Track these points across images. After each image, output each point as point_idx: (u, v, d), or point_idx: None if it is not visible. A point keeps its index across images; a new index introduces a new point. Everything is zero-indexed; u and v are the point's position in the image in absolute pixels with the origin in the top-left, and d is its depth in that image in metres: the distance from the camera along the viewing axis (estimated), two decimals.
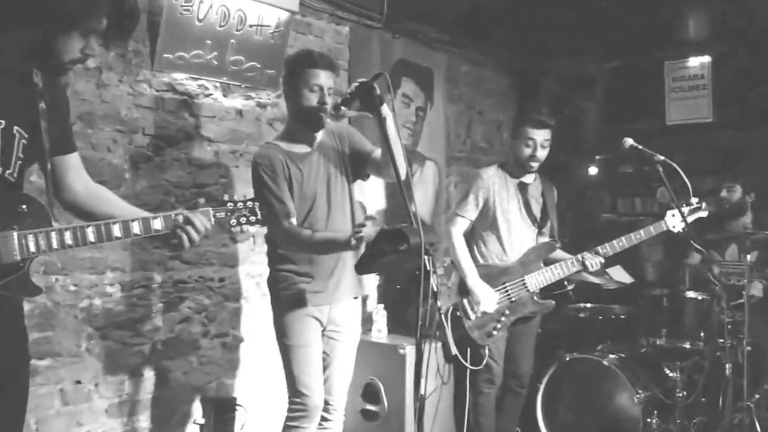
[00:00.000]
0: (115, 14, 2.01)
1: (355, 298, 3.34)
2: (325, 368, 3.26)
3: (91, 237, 2.06)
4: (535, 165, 4.07)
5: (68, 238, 2.03)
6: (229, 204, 2.29)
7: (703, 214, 4.18)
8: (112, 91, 3.69)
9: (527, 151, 4.04)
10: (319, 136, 3.23)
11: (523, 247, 4.11)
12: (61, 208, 2.23)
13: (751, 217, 5.22)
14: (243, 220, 2.30)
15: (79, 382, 3.57)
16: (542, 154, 4.05)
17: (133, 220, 2.13)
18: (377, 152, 3.18)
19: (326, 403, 3.26)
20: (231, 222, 2.29)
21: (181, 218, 2.17)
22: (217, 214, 2.26)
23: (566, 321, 5.18)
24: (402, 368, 4.22)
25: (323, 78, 3.08)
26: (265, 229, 3.25)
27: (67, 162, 2.24)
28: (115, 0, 2.01)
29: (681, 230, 4.11)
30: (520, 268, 4.06)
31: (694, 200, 4.12)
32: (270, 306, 3.30)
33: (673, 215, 4.12)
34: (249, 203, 2.33)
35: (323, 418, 3.27)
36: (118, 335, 3.72)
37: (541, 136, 4.01)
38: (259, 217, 2.33)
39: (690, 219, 4.10)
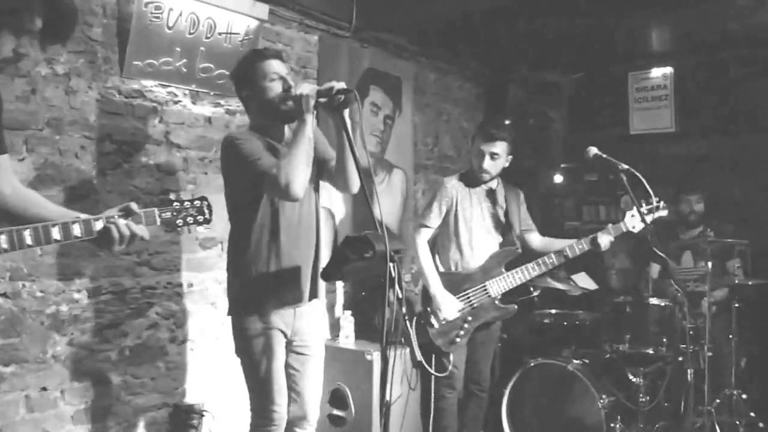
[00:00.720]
0: (50, 14, 1.95)
1: (310, 300, 3.21)
2: (297, 384, 3.20)
3: (29, 240, 2.00)
4: (485, 176, 4.13)
5: (3, 241, 1.96)
6: (175, 204, 2.28)
7: (663, 212, 4.22)
8: (80, 98, 3.68)
9: (476, 162, 4.12)
10: (287, 134, 3.16)
11: (485, 253, 4.17)
12: None
13: (702, 226, 5.34)
14: (190, 219, 2.29)
15: (45, 389, 3.55)
16: (491, 165, 4.09)
17: (73, 222, 2.07)
18: (332, 162, 3.15)
19: (302, 418, 3.22)
20: (177, 222, 2.28)
21: (113, 227, 2.12)
22: (163, 214, 2.24)
23: (531, 327, 5.25)
24: (369, 374, 4.26)
25: (277, 66, 3.06)
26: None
27: None
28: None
29: (641, 229, 4.14)
30: (482, 275, 4.11)
31: (654, 199, 4.14)
32: (230, 314, 3.17)
33: (633, 215, 4.15)
34: (196, 202, 2.31)
35: None
36: (85, 342, 3.71)
37: (490, 148, 4.06)
38: (207, 216, 2.33)
39: (649, 218, 4.15)
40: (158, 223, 2.23)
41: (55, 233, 2.05)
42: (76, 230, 2.08)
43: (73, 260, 3.65)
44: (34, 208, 2.20)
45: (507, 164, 4.18)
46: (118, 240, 2.13)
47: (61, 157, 3.60)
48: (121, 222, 2.13)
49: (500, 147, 4.07)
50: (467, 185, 4.19)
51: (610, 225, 4.19)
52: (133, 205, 2.18)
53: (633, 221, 4.16)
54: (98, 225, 2.11)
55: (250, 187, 2.97)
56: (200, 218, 2.32)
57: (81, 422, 3.71)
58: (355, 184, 3.10)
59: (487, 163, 4.08)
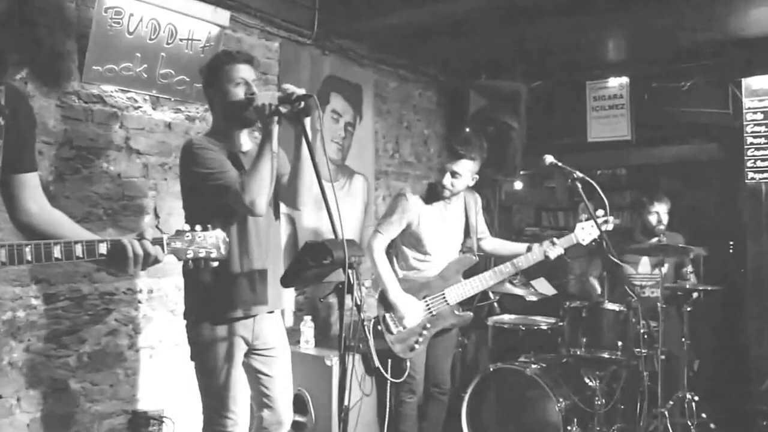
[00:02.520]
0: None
1: (271, 312, 3.17)
2: (268, 388, 3.17)
3: (29, 256, 1.97)
4: (446, 193, 4.16)
5: (2, 255, 1.95)
6: (187, 234, 2.17)
7: (609, 227, 4.36)
8: (39, 102, 3.66)
9: (438, 177, 4.17)
10: (247, 143, 3.15)
11: (444, 261, 4.20)
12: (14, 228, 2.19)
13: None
14: (201, 253, 2.17)
15: (0, 397, 3.51)
16: (453, 182, 4.12)
17: (76, 242, 2.03)
18: (284, 179, 3.13)
19: (277, 424, 3.19)
20: (188, 253, 2.17)
21: (128, 244, 2.06)
22: (172, 243, 2.15)
23: (491, 332, 5.31)
24: (329, 379, 4.28)
25: (244, 71, 3.02)
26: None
27: (25, 181, 2.18)
28: None
29: (590, 243, 4.34)
30: (441, 282, 4.15)
31: (600, 212, 4.28)
32: (185, 318, 3.12)
33: (582, 228, 4.32)
34: (211, 236, 2.18)
35: None
36: (43, 348, 3.68)
37: (453, 166, 4.09)
38: (222, 252, 2.20)
39: (597, 233, 4.30)
40: (165, 251, 2.13)
41: (56, 252, 2.01)
42: (78, 251, 2.03)
43: (30, 266, 3.62)
44: (58, 229, 2.21)
45: (472, 183, 4.20)
46: (133, 260, 2.08)
47: None
48: (136, 242, 2.08)
49: (464, 165, 4.07)
50: (430, 199, 4.20)
51: (554, 238, 4.29)
52: (148, 233, 2.12)
53: (582, 234, 4.31)
54: (101, 247, 2.06)
55: (211, 197, 2.93)
56: (213, 253, 2.19)
57: (37, 430, 3.67)
58: (304, 202, 3.10)
59: (448, 180, 4.11)
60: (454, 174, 4.09)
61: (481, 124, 6.50)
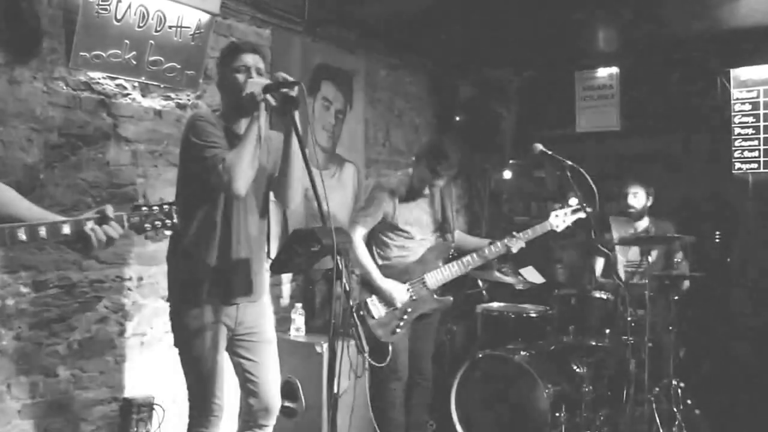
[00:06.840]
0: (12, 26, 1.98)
1: (254, 302, 3.17)
2: (253, 374, 3.16)
3: (23, 236, 2.04)
4: (426, 193, 4.33)
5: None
6: (143, 208, 2.31)
7: (582, 215, 4.44)
8: (25, 89, 3.64)
9: (417, 183, 4.28)
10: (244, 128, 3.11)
11: (422, 249, 4.28)
12: None
13: (648, 221, 5.47)
14: (158, 224, 2.32)
15: None
16: (434, 189, 4.33)
17: (40, 225, 2.10)
18: (277, 170, 3.15)
19: (263, 410, 3.19)
20: (146, 226, 2.31)
21: (90, 223, 2.18)
22: (131, 218, 2.29)
23: (479, 319, 5.34)
24: (319, 366, 4.30)
25: (248, 59, 3.05)
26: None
27: None
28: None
29: (563, 229, 4.55)
30: (420, 268, 4.23)
31: (574, 201, 4.38)
32: (169, 302, 3.16)
33: (556, 215, 4.49)
34: (165, 207, 2.34)
35: (263, 426, 3.21)
36: (33, 335, 3.68)
37: (433, 180, 4.24)
38: (175, 221, 2.35)
39: (570, 219, 4.47)
40: (126, 227, 2.27)
41: (21, 234, 2.08)
42: (42, 232, 2.11)
43: (18, 253, 3.61)
44: (6, 209, 2.23)
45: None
46: (97, 246, 2.20)
47: (5, 150, 3.56)
48: (99, 229, 2.19)
49: (444, 180, 4.26)
50: (408, 195, 4.27)
51: (537, 225, 4.51)
52: (109, 210, 2.23)
53: (557, 221, 4.45)
54: (65, 228, 2.15)
55: (199, 172, 2.94)
56: (168, 222, 2.34)
57: (28, 417, 3.67)
58: (294, 200, 3.12)
59: (427, 189, 4.30)
60: (434, 185, 4.29)
61: (472, 113, 6.52)
